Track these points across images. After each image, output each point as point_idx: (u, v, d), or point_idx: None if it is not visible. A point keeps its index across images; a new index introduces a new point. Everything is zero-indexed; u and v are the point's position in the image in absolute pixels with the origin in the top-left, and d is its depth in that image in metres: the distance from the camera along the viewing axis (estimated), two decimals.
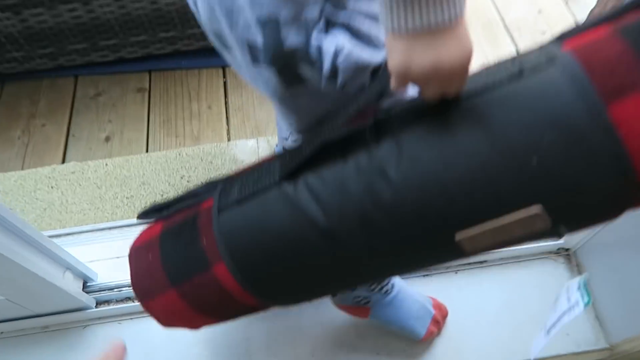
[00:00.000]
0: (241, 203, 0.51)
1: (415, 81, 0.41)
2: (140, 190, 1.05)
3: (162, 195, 1.06)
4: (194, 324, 0.60)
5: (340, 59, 0.45)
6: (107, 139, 1.29)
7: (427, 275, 0.91)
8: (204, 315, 0.57)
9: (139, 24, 1.26)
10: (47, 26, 1.21)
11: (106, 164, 1.10)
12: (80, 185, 1.06)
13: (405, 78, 0.41)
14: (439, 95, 0.42)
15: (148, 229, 0.59)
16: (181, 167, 1.09)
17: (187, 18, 1.27)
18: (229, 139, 1.27)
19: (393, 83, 0.43)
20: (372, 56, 0.47)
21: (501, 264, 0.92)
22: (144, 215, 0.60)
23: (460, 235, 0.45)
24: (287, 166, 0.49)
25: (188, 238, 0.54)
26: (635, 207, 0.44)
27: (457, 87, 0.42)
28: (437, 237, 0.46)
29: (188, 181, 1.07)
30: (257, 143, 1.13)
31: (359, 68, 0.46)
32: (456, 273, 0.92)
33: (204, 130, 1.31)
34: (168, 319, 0.59)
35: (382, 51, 0.47)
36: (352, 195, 0.46)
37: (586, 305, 0.60)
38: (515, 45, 1.43)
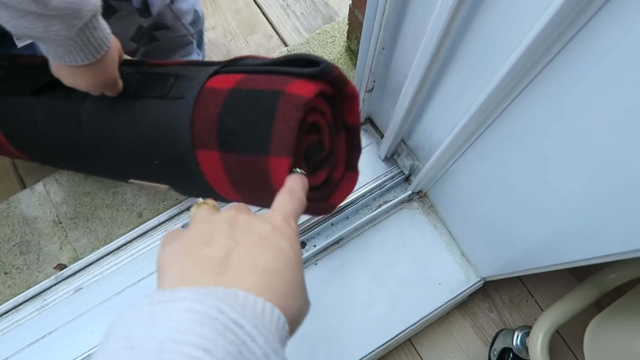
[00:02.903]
0: (6, 96, 0.72)
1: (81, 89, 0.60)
2: None
3: None
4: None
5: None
6: None
7: None
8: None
9: None
10: None
11: None
12: None
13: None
14: (100, 94, 0.62)
15: None
16: None
17: None
18: (19, 177, 1.02)
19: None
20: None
21: (358, 234, 0.84)
22: None
23: (131, 180, 0.70)
24: (37, 84, 0.68)
25: None
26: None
27: (109, 93, 0.62)
28: (116, 175, 0.72)
29: None
30: (45, 187, 0.90)
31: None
32: (316, 264, 0.83)
33: None
34: None
35: None
36: (61, 120, 0.68)
37: None
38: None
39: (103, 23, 0.55)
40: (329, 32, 1.02)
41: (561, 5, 0.34)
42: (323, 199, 0.59)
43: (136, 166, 0.66)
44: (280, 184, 0.49)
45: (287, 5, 1.19)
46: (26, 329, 0.81)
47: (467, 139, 0.60)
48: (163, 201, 0.88)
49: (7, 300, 0.83)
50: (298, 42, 1.06)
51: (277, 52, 1.09)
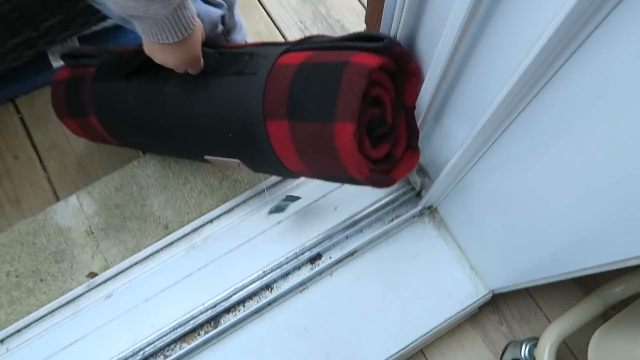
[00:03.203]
0: (103, 82, 0.82)
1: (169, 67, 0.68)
2: None
3: None
4: (93, 139, 0.97)
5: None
6: None
7: (304, 289, 0.86)
8: (88, 136, 0.95)
9: None
10: None
11: None
12: None
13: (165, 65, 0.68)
14: (184, 72, 0.70)
15: (63, 70, 0.91)
16: (2, 263, 0.92)
17: None
18: (53, 190, 1.09)
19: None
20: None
21: (371, 247, 0.88)
22: (63, 57, 0.91)
23: (207, 157, 0.79)
24: (127, 70, 0.78)
25: (78, 91, 0.86)
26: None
27: (192, 70, 0.70)
28: (195, 152, 0.80)
29: (17, 276, 0.92)
30: (79, 199, 0.97)
31: None
32: (331, 275, 0.87)
33: (21, 188, 1.10)
34: (75, 132, 0.96)
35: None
36: (149, 101, 0.76)
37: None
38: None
39: (191, 5, 0.61)
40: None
41: (561, 22, 0.39)
42: (384, 172, 0.65)
43: (212, 141, 0.73)
44: (345, 149, 0.56)
45: (305, 27, 1.25)
46: (60, 333, 0.86)
47: (472, 157, 0.64)
48: (187, 214, 0.94)
49: (43, 306, 0.89)
50: None
51: None
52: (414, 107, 0.67)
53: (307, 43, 0.67)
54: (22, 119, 1.16)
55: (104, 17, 1.14)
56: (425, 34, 0.60)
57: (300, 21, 1.27)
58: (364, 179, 0.62)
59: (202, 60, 0.69)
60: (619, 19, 0.35)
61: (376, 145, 0.64)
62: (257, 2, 1.29)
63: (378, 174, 0.64)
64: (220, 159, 0.77)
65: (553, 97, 0.45)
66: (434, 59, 0.56)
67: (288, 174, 0.72)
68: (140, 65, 0.75)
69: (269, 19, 1.27)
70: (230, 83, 0.67)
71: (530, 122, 0.51)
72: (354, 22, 1.25)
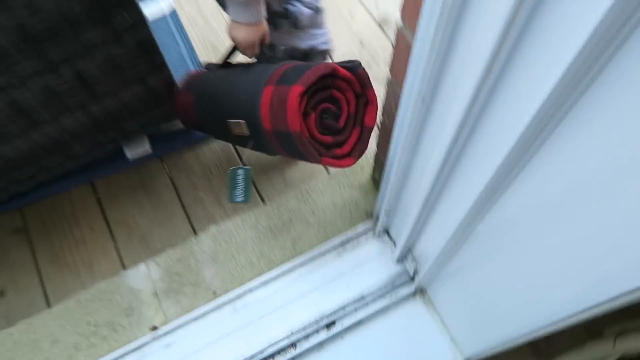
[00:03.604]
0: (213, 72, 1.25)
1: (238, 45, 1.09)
2: (53, 349, 1.14)
3: (76, 348, 1.15)
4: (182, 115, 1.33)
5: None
6: (2, 293, 1.33)
7: (321, 348, 1.11)
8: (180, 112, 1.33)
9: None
10: None
11: (12, 334, 1.16)
12: None
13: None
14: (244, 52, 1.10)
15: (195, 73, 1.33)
16: (85, 314, 1.18)
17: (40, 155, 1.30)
18: (120, 257, 1.36)
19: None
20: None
21: (375, 318, 1.14)
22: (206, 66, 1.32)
23: (228, 121, 1.09)
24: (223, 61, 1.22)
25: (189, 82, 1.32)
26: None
27: (249, 53, 1.09)
28: (224, 115, 1.10)
29: (95, 325, 1.17)
30: (147, 267, 1.24)
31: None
32: (342, 338, 1.12)
33: (94, 254, 1.38)
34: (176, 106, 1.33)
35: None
36: (220, 78, 1.18)
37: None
38: None
39: (262, 7, 1.02)
40: (359, 163, 1.39)
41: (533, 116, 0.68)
42: (318, 152, 0.98)
43: (233, 106, 1.07)
44: (291, 103, 0.90)
45: None
46: None
47: (450, 253, 0.92)
48: (232, 283, 1.20)
49: (114, 351, 1.13)
50: (338, 169, 1.42)
51: (320, 174, 1.45)
52: (371, 128, 1.03)
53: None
54: (98, 198, 1.46)
55: (173, 123, 1.47)
56: (419, 162, 0.90)
57: None
58: (297, 133, 0.93)
59: (258, 49, 1.08)
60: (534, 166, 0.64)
61: (322, 133, 0.98)
62: None
63: (313, 148, 0.96)
64: (234, 121, 1.08)
65: (501, 213, 0.74)
66: (423, 181, 0.85)
67: (264, 139, 1.04)
68: (225, 64, 1.22)
69: None
70: (259, 68, 1.08)
71: (482, 239, 0.79)
72: None
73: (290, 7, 1.11)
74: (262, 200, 1.43)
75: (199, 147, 1.53)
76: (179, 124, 1.44)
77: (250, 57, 1.12)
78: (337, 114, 0.99)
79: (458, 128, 0.63)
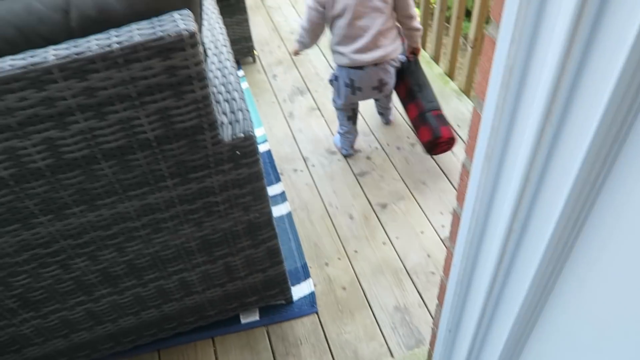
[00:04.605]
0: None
1: None
2: None
3: None
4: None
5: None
6: None
7: None
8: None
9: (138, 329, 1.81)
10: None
11: None
12: None
13: None
14: None
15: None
16: None
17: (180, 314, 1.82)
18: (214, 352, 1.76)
19: None
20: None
21: None
22: None
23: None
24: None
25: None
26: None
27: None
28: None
29: None
30: None
31: None
32: None
33: None
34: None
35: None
36: None
37: None
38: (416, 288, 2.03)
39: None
40: (415, 354, 1.74)
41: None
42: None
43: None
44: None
45: (395, 327, 1.95)
46: None
47: None
48: None
49: None
50: (399, 355, 1.78)
51: (384, 358, 1.81)
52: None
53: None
54: (215, 351, 1.92)
55: (277, 300, 1.96)
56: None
57: None
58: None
59: None
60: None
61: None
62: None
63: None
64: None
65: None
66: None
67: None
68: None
69: None
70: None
71: None
72: (427, 329, 1.93)
73: None
74: None
75: (293, 320, 1.98)
76: (280, 302, 1.93)
77: None
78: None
79: None
